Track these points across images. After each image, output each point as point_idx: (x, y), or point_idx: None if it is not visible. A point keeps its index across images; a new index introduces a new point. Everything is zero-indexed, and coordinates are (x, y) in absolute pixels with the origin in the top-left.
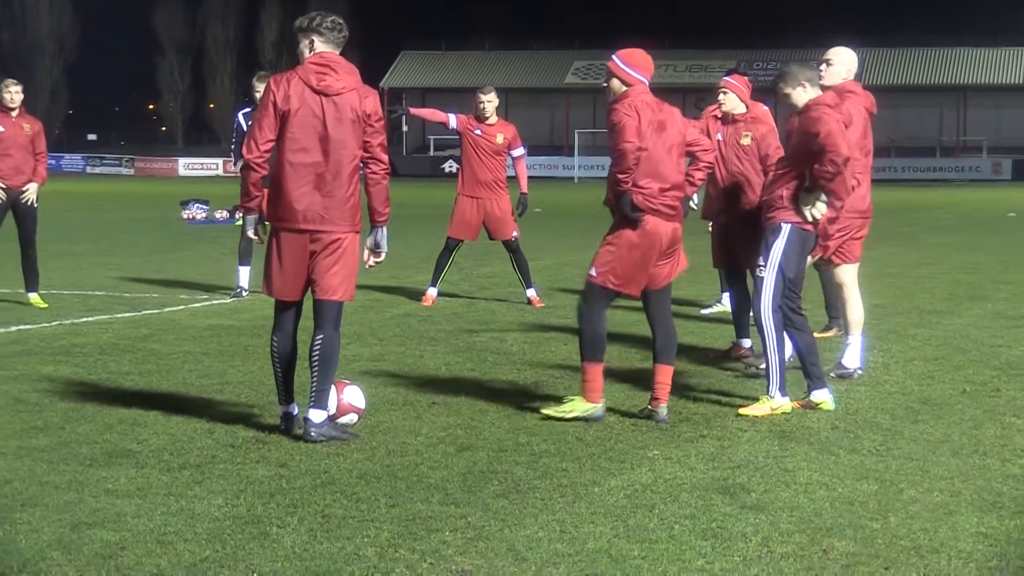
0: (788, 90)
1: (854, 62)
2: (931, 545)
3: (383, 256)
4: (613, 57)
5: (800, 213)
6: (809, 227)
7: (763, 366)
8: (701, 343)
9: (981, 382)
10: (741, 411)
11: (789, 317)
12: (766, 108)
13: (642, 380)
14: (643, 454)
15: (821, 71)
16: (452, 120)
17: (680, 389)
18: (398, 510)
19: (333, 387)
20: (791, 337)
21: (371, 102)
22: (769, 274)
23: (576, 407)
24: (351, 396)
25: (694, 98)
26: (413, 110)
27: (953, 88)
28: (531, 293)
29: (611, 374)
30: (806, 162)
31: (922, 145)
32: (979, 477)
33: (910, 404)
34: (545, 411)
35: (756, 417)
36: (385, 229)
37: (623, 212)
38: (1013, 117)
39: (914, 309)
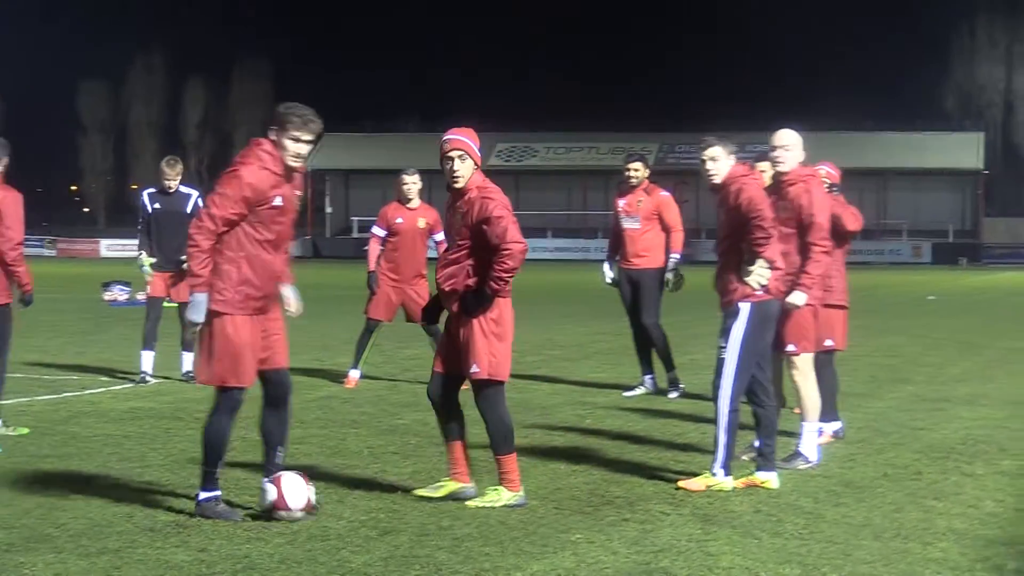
0: (714, 162)
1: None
2: None
3: (193, 328)
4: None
5: (749, 286)
6: (766, 296)
7: (745, 456)
8: (623, 426)
9: (902, 465)
10: (680, 484)
11: (755, 392)
12: (665, 194)
13: (565, 461)
14: (566, 538)
15: (777, 158)
16: (379, 234)
17: (602, 471)
18: None
19: (271, 484)
20: (754, 412)
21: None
22: (731, 355)
23: (502, 496)
24: (290, 490)
25: (616, 179)
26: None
27: (873, 172)
28: None
29: (531, 456)
30: (741, 236)
31: None
32: (901, 561)
33: (832, 487)
34: (471, 503)
35: (691, 491)
36: (194, 296)
37: (486, 303)
38: (932, 200)
39: None
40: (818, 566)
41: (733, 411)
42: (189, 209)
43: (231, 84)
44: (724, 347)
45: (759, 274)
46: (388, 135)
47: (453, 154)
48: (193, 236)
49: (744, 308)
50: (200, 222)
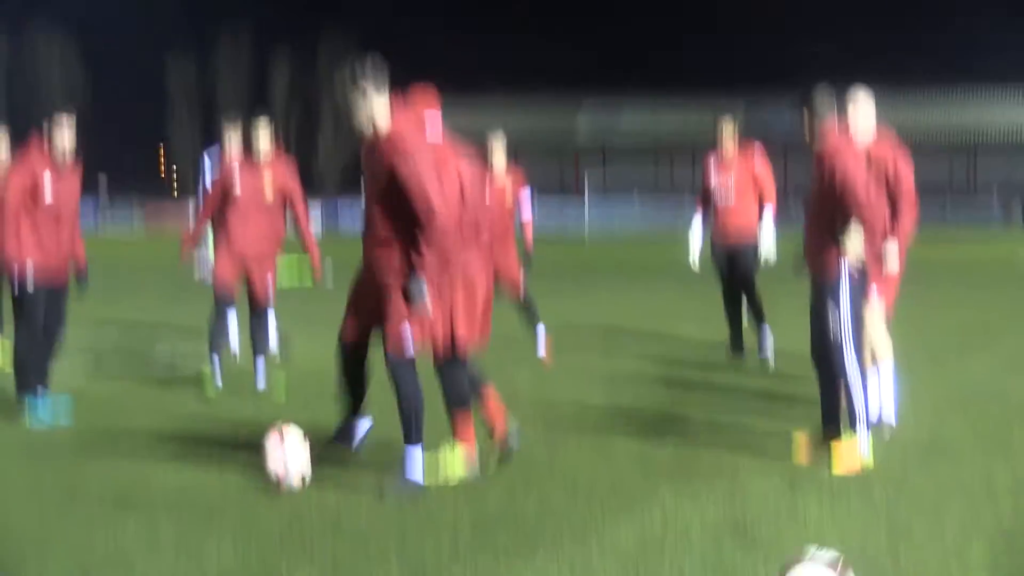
0: (817, 116)
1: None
2: None
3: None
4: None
5: (847, 254)
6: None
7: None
8: (711, 392)
9: (992, 425)
10: (835, 471)
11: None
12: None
13: (653, 428)
14: (653, 492)
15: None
16: None
17: (690, 437)
18: (409, 553)
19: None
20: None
21: None
22: (844, 322)
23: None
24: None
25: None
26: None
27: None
28: (541, 330)
29: (613, 415)
30: (840, 202)
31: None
32: (991, 517)
33: (920, 447)
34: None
35: (850, 471)
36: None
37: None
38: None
39: (924, 351)
40: (907, 523)
41: (864, 373)
42: None
43: (318, 55)
44: (838, 312)
45: (857, 241)
46: (468, 101)
47: None
48: None
49: (845, 272)
50: None
